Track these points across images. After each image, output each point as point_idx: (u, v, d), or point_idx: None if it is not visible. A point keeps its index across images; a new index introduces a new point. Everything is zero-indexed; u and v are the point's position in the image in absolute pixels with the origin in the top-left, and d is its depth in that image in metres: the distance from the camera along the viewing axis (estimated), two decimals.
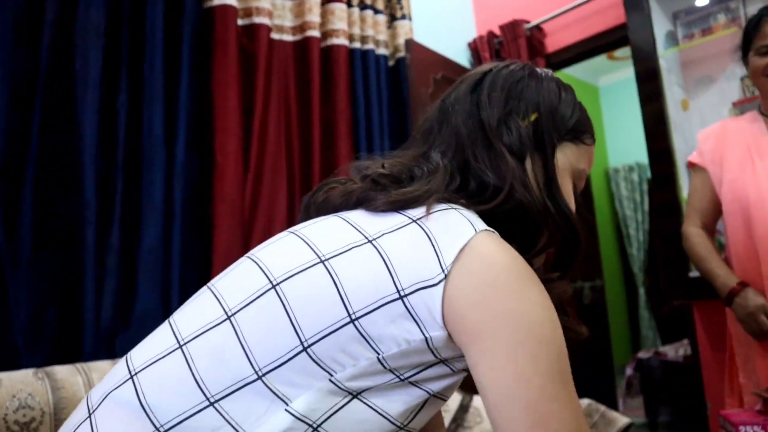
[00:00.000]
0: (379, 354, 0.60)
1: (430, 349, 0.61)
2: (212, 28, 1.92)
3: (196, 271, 1.76)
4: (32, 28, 1.55)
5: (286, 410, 0.59)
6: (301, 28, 2.20)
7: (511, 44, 2.91)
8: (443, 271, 0.59)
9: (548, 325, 0.59)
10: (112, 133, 1.67)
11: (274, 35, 2.12)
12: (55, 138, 1.55)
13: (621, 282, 5.60)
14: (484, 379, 0.59)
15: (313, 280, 0.62)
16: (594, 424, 1.56)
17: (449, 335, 0.60)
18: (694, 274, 2.16)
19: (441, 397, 0.67)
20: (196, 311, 0.67)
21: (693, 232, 1.71)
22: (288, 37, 2.17)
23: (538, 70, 0.80)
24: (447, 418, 1.80)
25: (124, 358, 0.69)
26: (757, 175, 1.55)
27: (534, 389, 0.57)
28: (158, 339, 0.67)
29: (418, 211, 0.65)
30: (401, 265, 0.60)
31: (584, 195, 3.45)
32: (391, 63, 2.54)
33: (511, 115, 0.74)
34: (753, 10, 1.73)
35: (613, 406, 3.34)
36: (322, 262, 0.62)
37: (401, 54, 2.51)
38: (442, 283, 0.59)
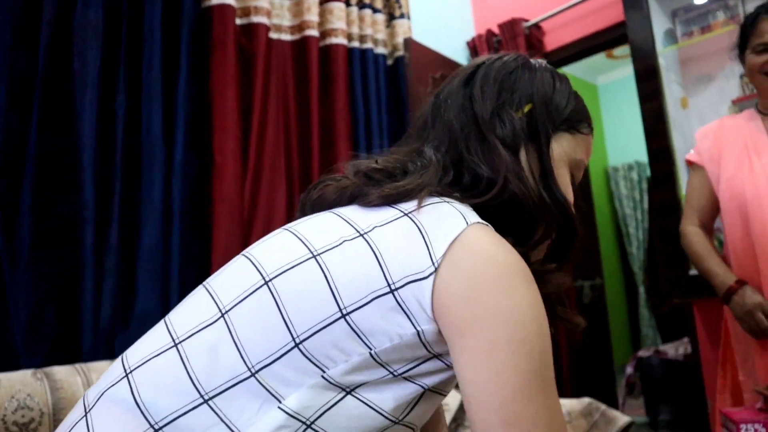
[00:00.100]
0: (371, 349, 0.60)
1: (423, 344, 0.60)
2: (210, 27, 1.92)
3: (196, 270, 1.76)
4: (30, 28, 1.55)
5: (279, 408, 0.59)
6: (300, 27, 2.19)
7: (510, 43, 2.91)
8: (433, 264, 0.59)
9: (533, 324, 0.58)
10: (111, 133, 1.67)
11: (273, 35, 2.12)
12: (53, 138, 1.55)
13: (621, 281, 5.60)
14: (463, 374, 0.58)
15: (305, 275, 0.62)
16: (595, 423, 1.56)
17: (439, 329, 0.60)
18: (694, 272, 2.16)
19: (438, 391, 0.66)
20: (191, 310, 0.67)
21: (691, 231, 1.71)
22: (286, 37, 2.17)
23: (533, 60, 0.80)
24: (447, 417, 1.79)
25: (119, 357, 0.69)
26: (755, 173, 1.56)
27: (510, 389, 0.56)
28: (154, 338, 0.67)
29: (410, 205, 0.65)
30: (392, 259, 0.60)
31: (584, 194, 3.46)
32: (389, 62, 2.54)
33: (504, 107, 0.73)
34: (752, 7, 1.72)
35: (614, 404, 3.34)
36: (314, 256, 0.62)
37: (400, 53, 2.51)
38: (432, 276, 0.58)
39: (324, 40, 2.26)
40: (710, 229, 1.73)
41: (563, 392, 2.84)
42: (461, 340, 0.58)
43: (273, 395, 0.60)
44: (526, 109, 0.74)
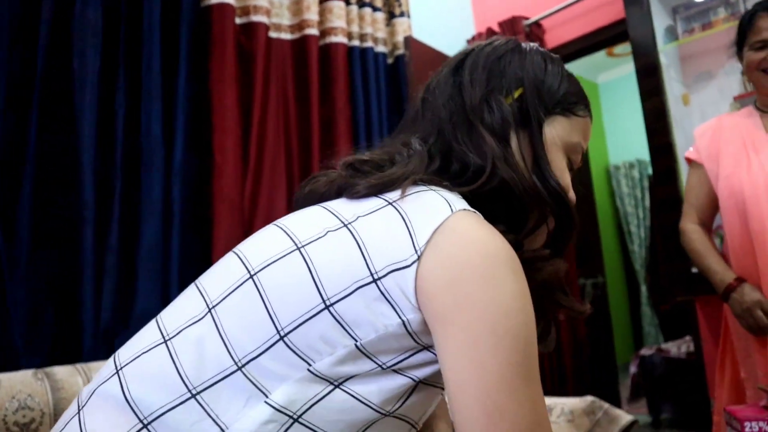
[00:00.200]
0: (357, 341, 0.59)
1: (410, 334, 0.60)
2: (210, 26, 1.91)
3: (196, 270, 1.75)
4: (29, 27, 1.54)
5: (265, 402, 0.59)
6: (299, 26, 2.19)
7: None
8: (416, 252, 0.58)
9: (517, 314, 0.57)
10: (110, 132, 1.66)
11: (272, 33, 2.11)
12: (52, 138, 1.55)
13: (623, 279, 5.60)
14: (445, 363, 0.57)
15: (289, 268, 0.61)
16: (597, 421, 1.55)
17: (425, 318, 0.59)
18: (696, 269, 2.15)
19: (431, 384, 0.66)
20: (181, 307, 0.68)
21: (690, 229, 1.71)
22: (286, 36, 2.16)
23: (524, 44, 0.78)
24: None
25: (112, 355, 0.69)
26: (753, 170, 1.56)
27: (493, 379, 0.55)
28: (145, 335, 0.68)
29: (395, 194, 0.65)
30: (375, 248, 0.60)
31: (585, 192, 3.46)
32: (390, 61, 2.53)
33: (493, 94, 0.72)
34: (753, 3, 1.72)
35: (616, 403, 3.33)
36: (298, 249, 0.62)
37: (400, 51, 2.50)
38: (414, 264, 0.58)
39: (324, 38, 2.25)
40: (709, 226, 1.74)
41: (566, 390, 2.83)
42: (444, 329, 0.57)
43: (259, 389, 0.59)
44: (517, 94, 0.72)
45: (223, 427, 0.59)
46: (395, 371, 0.62)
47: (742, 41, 1.62)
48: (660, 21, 2.40)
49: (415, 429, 0.69)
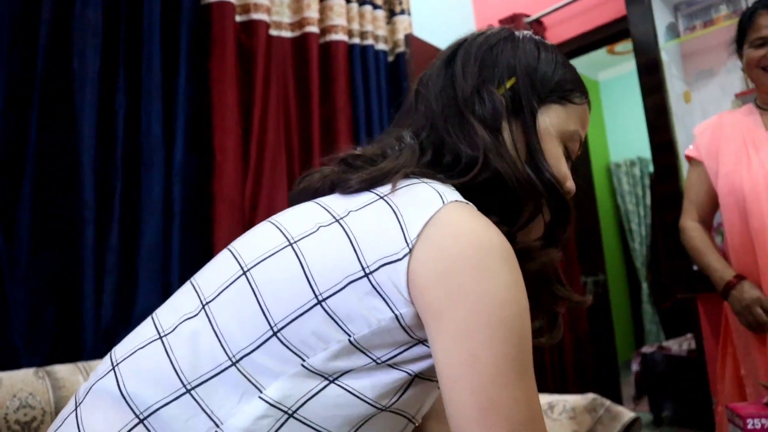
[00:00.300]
0: (350, 336, 0.59)
1: (403, 328, 0.59)
2: (210, 25, 1.91)
3: (196, 269, 1.73)
4: (29, 27, 1.54)
5: (260, 397, 0.59)
6: (300, 24, 2.19)
7: None
8: (408, 245, 0.58)
9: (512, 306, 0.56)
10: (111, 132, 1.66)
11: (273, 31, 2.11)
12: (53, 137, 1.54)
13: (624, 277, 5.60)
14: (438, 356, 0.57)
15: (281, 264, 0.61)
16: (599, 418, 1.55)
17: (417, 312, 0.59)
18: (696, 267, 2.16)
19: (428, 378, 0.65)
20: (175, 304, 0.68)
21: (690, 226, 1.72)
22: (286, 34, 2.16)
23: (517, 32, 0.77)
24: None
25: (109, 352, 0.69)
26: (753, 168, 1.56)
27: (485, 373, 0.54)
28: (140, 332, 0.68)
29: (386, 188, 0.65)
30: (366, 242, 0.60)
31: (586, 190, 3.45)
32: (390, 58, 2.52)
33: (485, 84, 0.71)
34: (753, 1, 1.72)
35: (618, 400, 3.33)
36: (290, 244, 0.62)
37: (401, 49, 2.49)
38: (406, 258, 0.57)
39: (324, 36, 2.25)
40: (709, 224, 1.74)
41: (568, 388, 2.83)
42: (437, 321, 0.57)
43: (254, 385, 0.59)
44: (509, 83, 0.72)
45: (218, 422, 0.59)
46: (390, 366, 0.61)
47: (742, 39, 1.62)
48: (661, 18, 2.40)
49: (412, 423, 0.69)
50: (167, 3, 1.81)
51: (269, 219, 0.70)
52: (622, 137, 5.59)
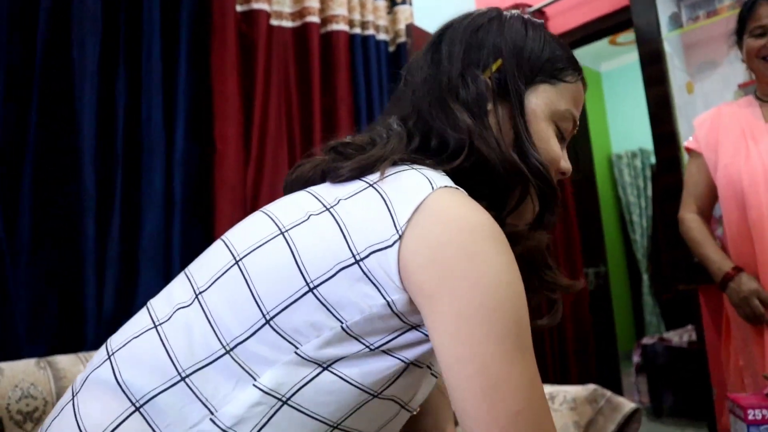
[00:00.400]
0: (342, 323, 0.59)
1: (396, 314, 0.60)
2: (210, 14, 1.90)
3: None
4: (27, 16, 1.53)
5: (254, 385, 0.59)
6: (300, 13, 2.17)
7: None
8: (397, 231, 0.58)
9: (506, 288, 0.56)
10: (111, 121, 1.65)
11: (273, 21, 2.10)
12: (53, 127, 1.54)
13: (624, 268, 5.60)
14: (437, 342, 0.57)
15: (273, 252, 0.62)
16: (600, 409, 1.55)
17: (410, 298, 0.59)
18: None
19: (420, 364, 0.66)
20: (169, 294, 0.68)
21: (689, 218, 1.73)
22: (287, 23, 2.15)
23: (505, 12, 0.76)
24: None
25: (105, 343, 0.70)
26: (751, 159, 1.56)
27: (486, 354, 0.55)
28: (135, 321, 0.68)
29: (376, 176, 0.65)
30: (356, 230, 0.60)
31: (587, 181, 3.44)
32: (391, 49, 2.51)
33: (469, 68, 0.71)
34: None
35: (618, 391, 3.34)
36: (282, 233, 0.63)
37: (402, 39, 2.48)
38: (396, 244, 0.58)
39: (325, 26, 2.24)
40: (708, 215, 1.75)
41: (570, 379, 2.84)
42: (432, 307, 0.57)
43: (248, 373, 0.60)
44: (495, 65, 0.70)
45: (213, 409, 0.59)
46: (384, 352, 0.62)
47: (742, 29, 1.62)
48: (664, 8, 2.38)
49: (406, 410, 0.70)
50: None
51: (262, 209, 0.71)
52: (624, 128, 5.57)
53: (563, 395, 1.58)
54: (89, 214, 1.56)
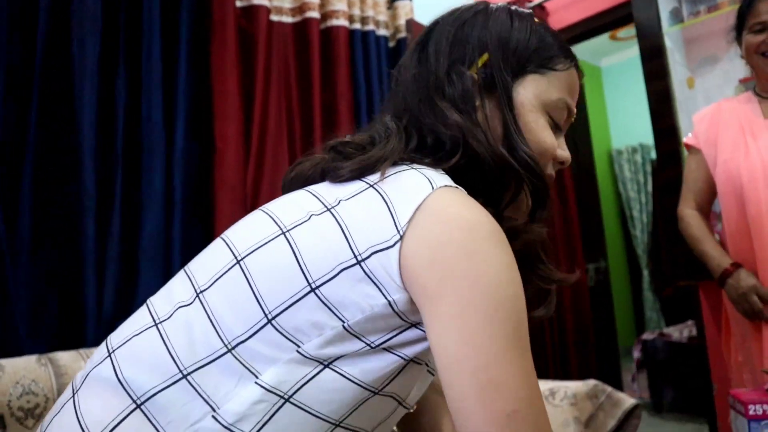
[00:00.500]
0: (344, 322, 0.60)
1: (397, 313, 0.60)
2: (210, 10, 1.89)
3: None
4: (27, 14, 1.53)
5: (256, 383, 0.60)
6: (301, 9, 2.17)
7: None
8: (398, 232, 0.58)
9: (507, 287, 0.57)
10: (111, 119, 1.65)
11: (273, 17, 2.09)
12: (53, 125, 1.53)
13: (625, 264, 5.60)
14: (435, 341, 0.58)
15: (275, 252, 0.62)
16: (600, 405, 1.56)
17: (411, 298, 0.59)
18: None
19: (420, 361, 0.66)
20: (169, 292, 0.69)
21: (688, 214, 1.74)
22: (287, 19, 2.14)
23: (492, 5, 0.75)
24: None
25: (105, 340, 0.70)
26: (750, 155, 1.57)
27: (484, 353, 0.55)
28: (135, 319, 0.69)
29: (376, 176, 0.65)
30: (357, 230, 0.60)
31: (587, 176, 3.44)
32: (391, 44, 2.51)
33: (455, 65, 0.70)
34: None
35: (618, 386, 3.34)
36: (283, 233, 0.63)
37: (402, 35, 2.47)
38: (397, 245, 0.58)
39: (325, 22, 2.23)
40: (707, 212, 1.76)
41: (570, 374, 2.85)
42: (432, 307, 0.57)
43: (250, 371, 0.60)
44: (481, 61, 0.70)
45: (214, 407, 0.60)
46: (384, 349, 0.62)
47: (741, 25, 1.62)
48: (665, 3, 2.37)
49: (403, 407, 0.70)
50: None
51: (261, 208, 0.71)
52: (624, 124, 5.57)
53: (564, 391, 1.59)
54: (89, 213, 1.55)
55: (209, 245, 0.72)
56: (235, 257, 0.64)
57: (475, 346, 0.55)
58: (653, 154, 5.10)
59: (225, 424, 0.59)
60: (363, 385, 0.62)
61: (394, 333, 0.62)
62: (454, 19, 0.74)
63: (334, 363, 0.61)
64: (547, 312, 0.74)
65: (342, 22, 2.24)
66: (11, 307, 1.42)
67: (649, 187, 5.55)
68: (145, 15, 1.74)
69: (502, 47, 0.70)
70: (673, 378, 3.64)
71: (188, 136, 1.78)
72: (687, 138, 1.77)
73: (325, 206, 0.64)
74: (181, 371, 0.61)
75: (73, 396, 0.65)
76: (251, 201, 1.90)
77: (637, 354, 3.88)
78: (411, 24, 2.44)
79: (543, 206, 0.72)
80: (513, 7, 0.75)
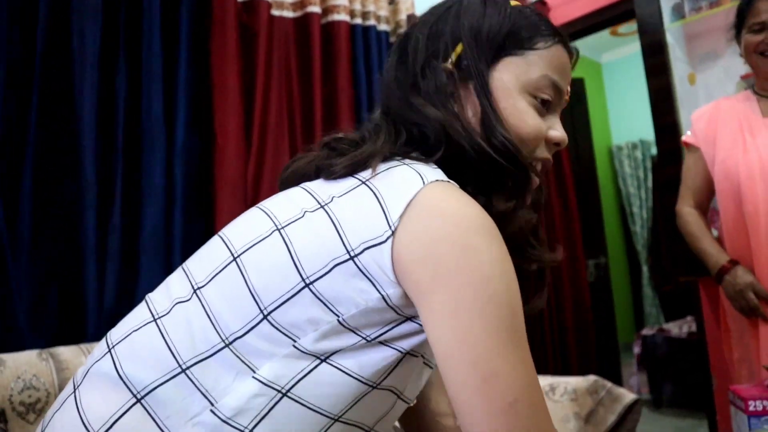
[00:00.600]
0: (339, 317, 0.60)
1: (391, 307, 0.61)
2: (210, 4, 1.88)
3: None
4: (28, 7, 1.52)
5: (253, 377, 0.61)
6: (302, 4, 2.16)
7: None
8: (390, 227, 0.59)
9: (500, 280, 0.57)
10: (111, 113, 1.65)
11: (274, 11, 2.08)
12: (53, 119, 1.53)
13: (624, 260, 5.61)
14: (432, 335, 0.58)
15: (270, 249, 0.63)
16: (600, 400, 1.56)
17: (405, 292, 0.60)
18: None
19: (416, 354, 0.66)
20: (168, 288, 0.69)
21: (686, 212, 1.75)
22: (288, 14, 2.14)
23: None
24: None
25: (105, 335, 0.71)
26: (748, 153, 1.57)
27: (481, 346, 0.56)
28: (135, 315, 0.69)
29: (368, 172, 0.65)
30: (350, 226, 0.61)
31: (588, 172, 3.44)
32: (392, 39, 2.50)
33: (430, 60, 0.71)
34: None
35: (618, 382, 3.35)
36: (278, 230, 0.64)
37: (403, 30, 2.47)
38: (389, 240, 0.58)
39: (326, 16, 2.22)
40: (705, 209, 1.77)
41: (570, 370, 2.85)
42: (426, 301, 0.58)
43: (247, 365, 0.61)
44: (455, 54, 0.71)
45: (213, 401, 0.60)
46: (380, 343, 0.63)
47: (741, 24, 1.62)
48: None
49: (402, 401, 0.70)
50: None
51: (258, 205, 0.72)
52: (625, 120, 5.56)
53: (564, 386, 1.59)
54: (90, 206, 1.55)
55: (207, 242, 0.73)
56: (232, 254, 0.65)
57: (471, 340, 0.56)
58: (653, 150, 5.11)
59: (223, 418, 0.60)
60: (360, 378, 0.63)
61: (390, 326, 0.62)
62: (429, 16, 0.75)
63: (330, 357, 0.62)
64: (539, 304, 0.74)
65: (343, 17, 2.23)
66: (12, 302, 1.43)
67: (649, 183, 5.55)
68: (146, 10, 1.73)
69: (474, 36, 0.70)
70: (673, 373, 3.64)
71: (189, 131, 1.77)
72: (685, 136, 1.78)
73: (319, 203, 0.64)
74: (180, 365, 0.61)
75: (74, 392, 0.66)
76: (252, 196, 1.90)
77: (637, 350, 3.88)
78: (412, 19, 2.44)
79: (523, 190, 0.71)
80: None
